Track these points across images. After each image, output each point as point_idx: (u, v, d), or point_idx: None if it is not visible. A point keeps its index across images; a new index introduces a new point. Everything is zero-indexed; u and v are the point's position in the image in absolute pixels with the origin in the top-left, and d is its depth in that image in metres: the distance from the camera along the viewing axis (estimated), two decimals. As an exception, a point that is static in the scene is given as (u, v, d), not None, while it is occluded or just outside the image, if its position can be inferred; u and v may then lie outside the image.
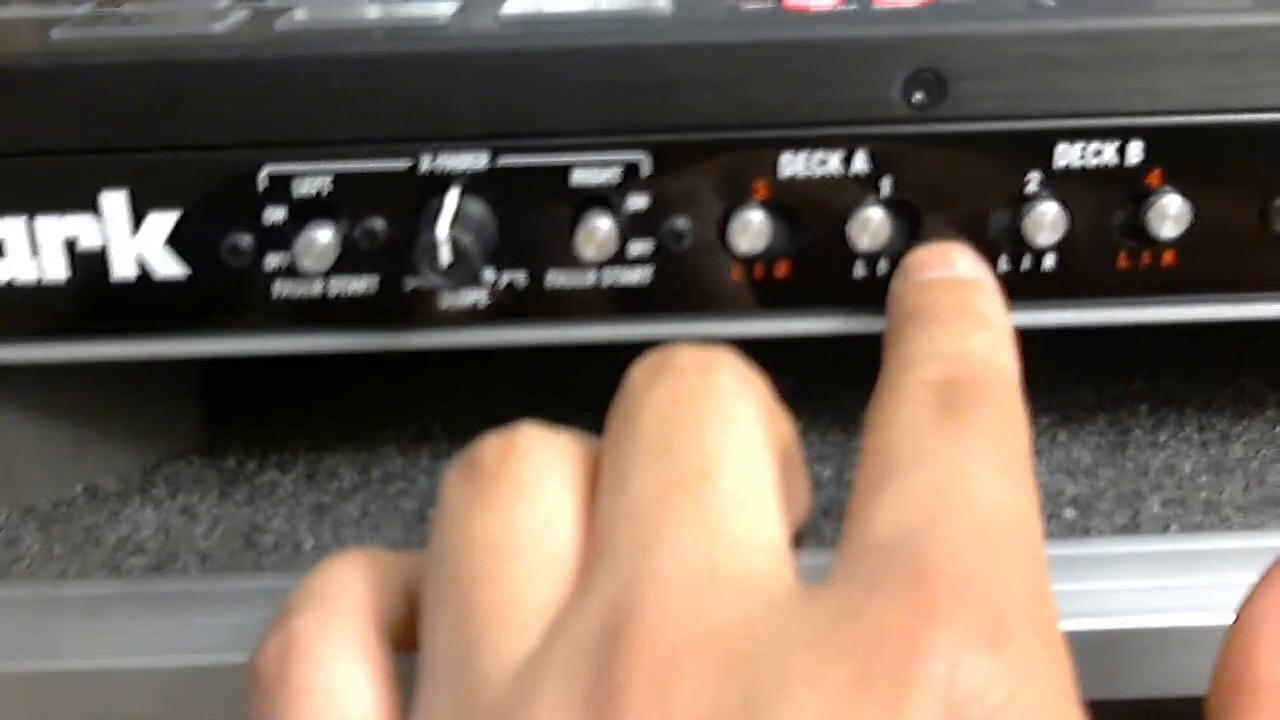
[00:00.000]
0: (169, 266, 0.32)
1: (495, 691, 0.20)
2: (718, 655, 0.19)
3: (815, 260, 0.32)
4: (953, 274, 0.30)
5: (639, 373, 0.24)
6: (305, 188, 0.31)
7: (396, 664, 0.23)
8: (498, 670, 0.20)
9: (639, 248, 0.32)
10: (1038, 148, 0.31)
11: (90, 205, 0.31)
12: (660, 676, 0.18)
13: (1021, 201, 0.31)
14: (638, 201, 0.31)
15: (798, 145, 0.31)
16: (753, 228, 0.31)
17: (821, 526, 0.35)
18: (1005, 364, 0.26)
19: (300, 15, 0.32)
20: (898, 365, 0.25)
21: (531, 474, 0.23)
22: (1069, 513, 0.34)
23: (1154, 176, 0.31)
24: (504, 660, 0.20)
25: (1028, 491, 0.22)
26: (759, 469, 0.22)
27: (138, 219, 0.31)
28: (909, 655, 0.18)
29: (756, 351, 0.26)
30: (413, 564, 0.24)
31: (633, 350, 0.32)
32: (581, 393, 0.41)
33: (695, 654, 0.19)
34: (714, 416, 0.23)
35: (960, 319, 0.27)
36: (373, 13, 0.32)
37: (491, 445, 0.23)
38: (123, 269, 0.32)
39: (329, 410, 0.41)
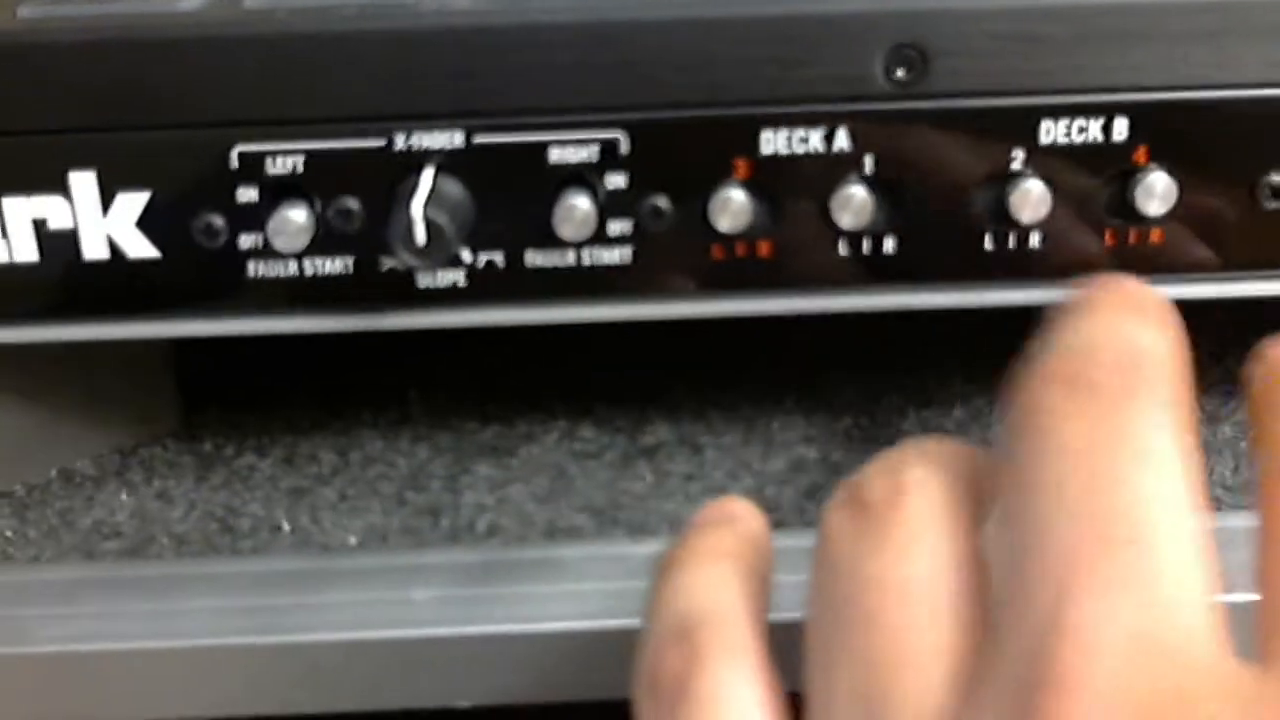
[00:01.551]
0: (141, 247, 0.31)
1: None
2: None
3: (797, 239, 0.32)
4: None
5: (1044, 389, 0.21)
6: (277, 167, 0.30)
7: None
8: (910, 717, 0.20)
9: (618, 227, 0.31)
10: (1022, 124, 0.31)
11: (59, 186, 0.31)
12: None
13: (1006, 179, 0.31)
14: (616, 180, 0.31)
15: (778, 122, 0.30)
16: (733, 206, 0.31)
17: (806, 509, 0.35)
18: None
19: (271, -9, 0.32)
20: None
21: (921, 514, 0.22)
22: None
23: (1140, 154, 0.31)
24: (914, 707, 0.20)
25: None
26: (1189, 517, 0.20)
27: (107, 199, 0.31)
28: None
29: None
30: (759, 551, 0.25)
31: (612, 330, 0.32)
32: (562, 374, 0.40)
33: None
34: (1137, 455, 0.20)
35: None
36: (344, -11, 0.32)
37: (878, 483, 0.22)
38: (94, 250, 0.31)
39: (307, 394, 0.41)
